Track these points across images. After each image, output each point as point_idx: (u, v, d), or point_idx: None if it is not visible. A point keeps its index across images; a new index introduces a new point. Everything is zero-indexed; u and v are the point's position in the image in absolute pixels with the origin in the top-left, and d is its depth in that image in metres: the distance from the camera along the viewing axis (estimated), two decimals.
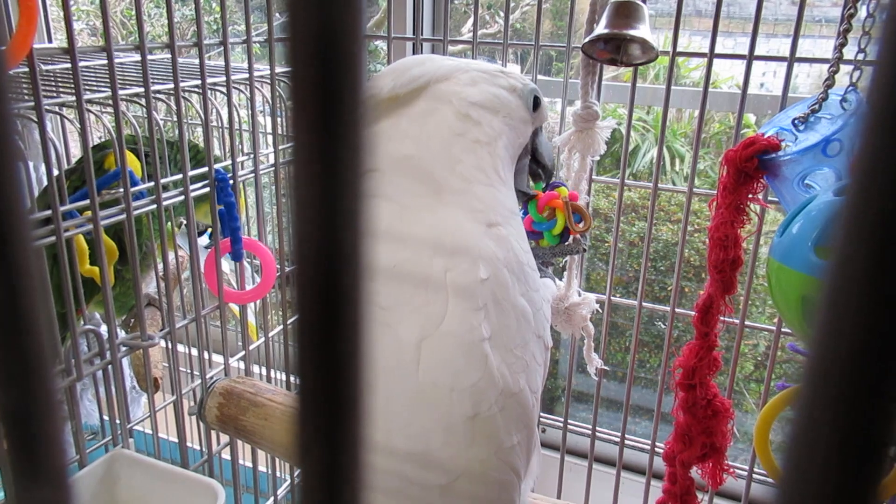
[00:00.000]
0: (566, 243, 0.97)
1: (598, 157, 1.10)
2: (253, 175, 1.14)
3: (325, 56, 0.12)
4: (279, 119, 1.18)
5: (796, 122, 0.89)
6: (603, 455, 1.45)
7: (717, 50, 1.01)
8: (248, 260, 1.21)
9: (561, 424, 1.33)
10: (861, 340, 0.12)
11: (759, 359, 2.45)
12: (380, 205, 0.75)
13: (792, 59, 0.97)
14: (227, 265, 1.22)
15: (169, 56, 0.95)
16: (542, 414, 1.40)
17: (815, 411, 0.12)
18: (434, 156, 0.75)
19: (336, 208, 0.11)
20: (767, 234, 1.17)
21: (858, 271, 0.12)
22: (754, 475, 1.18)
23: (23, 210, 0.12)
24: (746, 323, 1.11)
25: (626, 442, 1.27)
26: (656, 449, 1.23)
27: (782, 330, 1.08)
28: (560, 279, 1.13)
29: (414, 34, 1.35)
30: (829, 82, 0.87)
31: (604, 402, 2.15)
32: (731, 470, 1.01)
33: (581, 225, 0.95)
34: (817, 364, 0.12)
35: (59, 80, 1.03)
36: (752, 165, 0.86)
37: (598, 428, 1.30)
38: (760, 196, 0.92)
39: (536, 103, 0.84)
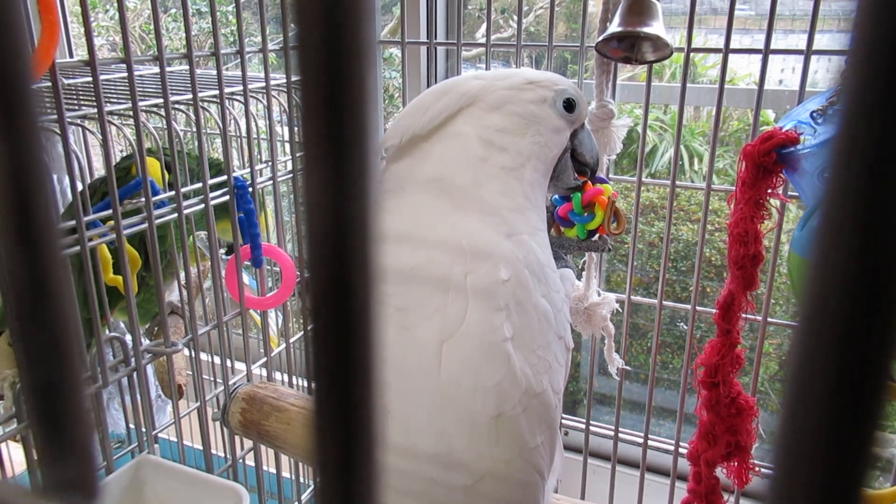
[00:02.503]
0: (593, 239, 0.96)
1: (614, 156, 1.10)
2: (271, 183, 1.15)
3: (333, 64, 0.12)
4: (296, 127, 1.20)
5: (815, 114, 0.88)
6: (627, 457, 1.44)
7: (735, 47, 1.00)
8: (268, 267, 1.22)
9: (583, 426, 1.32)
10: (847, 317, 0.12)
11: (784, 358, 2.41)
12: (401, 213, 0.75)
13: (809, 52, 0.96)
14: (246, 277, 1.23)
15: (187, 67, 0.97)
16: (564, 416, 1.39)
17: (804, 393, 0.12)
18: (459, 179, 0.75)
19: (345, 213, 0.12)
20: (789, 230, 1.16)
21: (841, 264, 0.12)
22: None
23: (47, 198, 0.12)
24: (769, 320, 1.10)
25: (650, 443, 1.26)
26: (680, 449, 1.22)
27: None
28: (579, 280, 1.13)
29: (428, 39, 1.36)
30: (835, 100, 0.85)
31: (627, 405, 2.13)
32: (758, 469, 1.00)
33: (614, 226, 0.94)
34: (805, 339, 0.12)
35: (81, 93, 1.05)
36: (771, 160, 0.85)
37: (621, 429, 1.29)
38: (780, 191, 0.91)
39: (570, 106, 0.82)
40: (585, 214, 0.92)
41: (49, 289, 0.11)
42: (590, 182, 0.91)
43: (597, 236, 0.96)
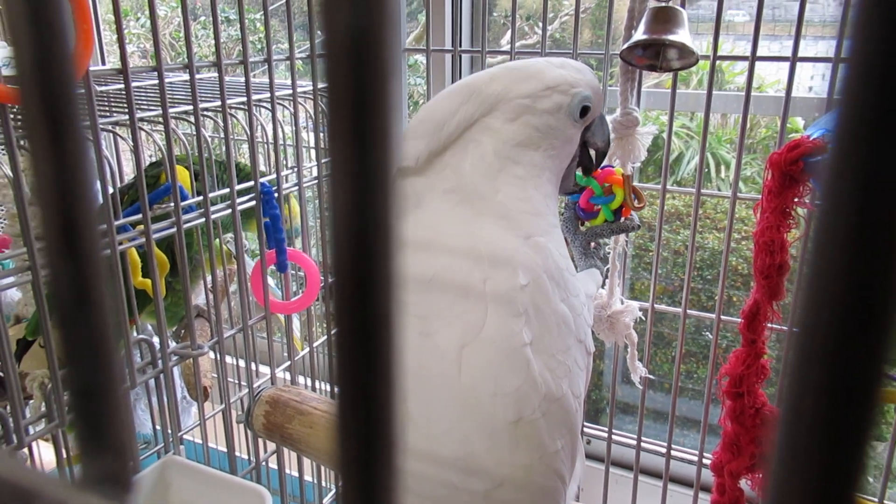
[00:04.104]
0: (622, 220, 0.97)
1: (638, 164, 1.09)
2: (297, 188, 1.16)
3: (359, 70, 0.12)
4: (322, 134, 1.21)
5: None
6: (650, 467, 1.43)
7: (763, 54, 1.00)
8: (293, 272, 1.23)
9: (606, 435, 1.31)
10: (842, 318, 0.12)
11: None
12: (420, 222, 0.76)
13: (837, 60, 0.95)
14: (271, 281, 1.24)
15: (216, 75, 0.99)
16: (587, 424, 1.38)
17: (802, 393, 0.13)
18: (476, 187, 0.75)
19: (369, 218, 0.12)
20: None
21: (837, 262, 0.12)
22: None
23: (91, 204, 0.13)
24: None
25: (673, 453, 1.25)
26: (704, 460, 1.21)
27: None
28: (602, 287, 1.13)
29: (452, 46, 1.37)
30: None
31: (651, 414, 2.11)
32: None
33: (637, 202, 0.95)
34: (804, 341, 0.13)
35: (113, 100, 1.07)
36: (798, 168, 0.85)
37: (644, 438, 1.28)
38: (808, 200, 0.90)
39: (585, 111, 0.82)
40: (605, 196, 0.94)
41: (91, 296, 0.12)
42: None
43: (623, 218, 0.97)
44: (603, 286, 1.14)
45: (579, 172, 0.92)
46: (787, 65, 0.98)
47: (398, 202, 0.12)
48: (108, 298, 0.13)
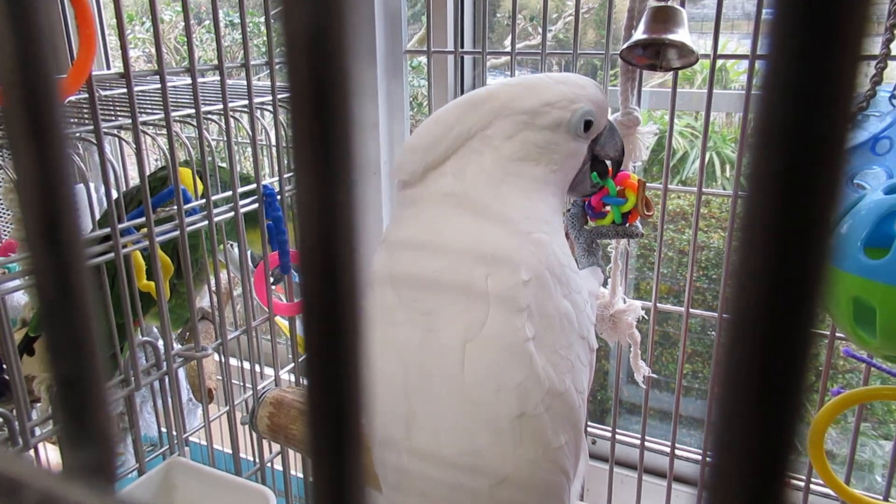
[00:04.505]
0: (627, 225, 0.97)
1: (639, 163, 1.10)
2: None
3: (318, 73, 0.12)
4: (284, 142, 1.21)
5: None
6: (654, 466, 1.43)
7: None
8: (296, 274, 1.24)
9: (610, 435, 1.31)
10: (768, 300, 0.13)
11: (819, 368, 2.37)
12: (420, 223, 0.76)
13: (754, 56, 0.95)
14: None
15: (218, 78, 1.00)
16: (591, 424, 1.38)
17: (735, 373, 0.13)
18: (477, 192, 0.75)
19: (333, 219, 0.12)
20: None
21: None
22: (812, 485, 1.14)
23: (70, 203, 0.13)
24: None
25: (677, 452, 1.25)
26: (708, 459, 1.21)
27: (836, 335, 1.05)
28: (605, 286, 1.13)
29: (454, 48, 1.37)
30: (877, 79, 0.84)
31: (657, 414, 2.11)
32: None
33: (646, 210, 0.96)
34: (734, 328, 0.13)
35: (117, 104, 1.08)
36: None
37: (648, 438, 1.28)
38: None
39: (588, 124, 0.81)
40: (619, 197, 0.94)
41: (73, 293, 0.12)
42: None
43: (628, 224, 0.97)
44: (605, 285, 1.14)
45: (595, 174, 0.93)
46: None
47: (361, 203, 0.12)
48: (90, 293, 0.13)
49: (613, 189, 0.93)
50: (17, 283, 0.84)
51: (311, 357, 0.13)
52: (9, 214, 1.38)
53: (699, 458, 1.23)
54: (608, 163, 0.90)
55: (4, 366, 1.07)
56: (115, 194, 0.92)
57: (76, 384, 0.13)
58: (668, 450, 1.25)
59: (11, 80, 0.11)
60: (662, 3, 0.94)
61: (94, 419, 0.13)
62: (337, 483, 0.13)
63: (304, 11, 0.11)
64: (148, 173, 0.97)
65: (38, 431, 0.90)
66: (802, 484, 1.14)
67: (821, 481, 1.11)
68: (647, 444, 1.28)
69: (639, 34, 0.95)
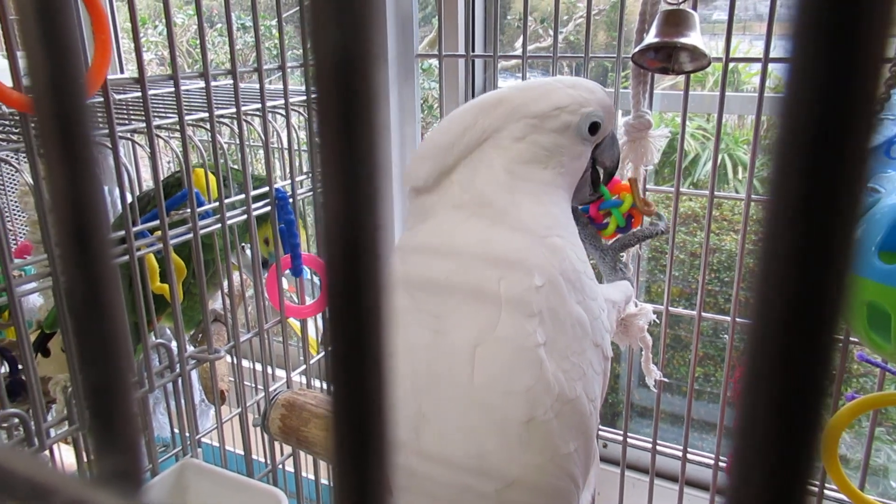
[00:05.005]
0: (651, 225, 0.97)
1: (651, 167, 1.09)
2: (311, 194, 1.18)
3: (345, 88, 0.13)
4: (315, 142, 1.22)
5: None
6: (666, 470, 1.42)
7: (780, 54, 0.99)
8: (309, 277, 1.24)
9: (621, 439, 1.31)
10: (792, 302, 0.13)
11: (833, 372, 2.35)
12: (433, 229, 0.76)
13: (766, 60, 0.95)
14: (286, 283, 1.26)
15: (231, 82, 1.00)
16: (602, 428, 1.38)
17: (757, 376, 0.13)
18: (489, 198, 0.76)
19: (357, 226, 0.13)
20: None
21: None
22: (826, 490, 1.13)
23: (101, 209, 0.14)
24: None
25: (689, 456, 1.24)
26: (721, 463, 1.20)
27: (850, 339, 1.05)
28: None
29: (465, 51, 1.38)
30: (892, 82, 0.84)
31: (669, 418, 2.10)
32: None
33: (645, 207, 0.96)
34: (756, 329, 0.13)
35: (131, 108, 1.09)
36: None
37: (660, 442, 1.28)
38: None
39: (595, 127, 0.82)
40: (615, 197, 0.95)
41: (102, 300, 0.13)
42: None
43: (649, 222, 0.97)
44: None
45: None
46: None
47: (385, 210, 0.12)
48: (120, 301, 0.13)
49: (608, 194, 0.94)
50: (32, 285, 0.85)
51: (335, 362, 0.13)
52: (23, 217, 1.39)
53: (711, 461, 1.23)
54: (600, 172, 0.90)
55: (20, 367, 1.08)
56: (129, 197, 0.93)
57: (105, 391, 0.13)
58: (679, 453, 1.25)
59: (43, 90, 0.12)
60: (674, 7, 0.94)
61: (122, 426, 0.13)
62: (360, 492, 0.13)
63: (331, 31, 0.11)
64: (161, 178, 0.98)
65: (53, 433, 0.90)
66: (816, 489, 1.13)
67: (835, 487, 1.10)
68: (658, 447, 1.27)
69: (651, 38, 0.95)
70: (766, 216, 0.12)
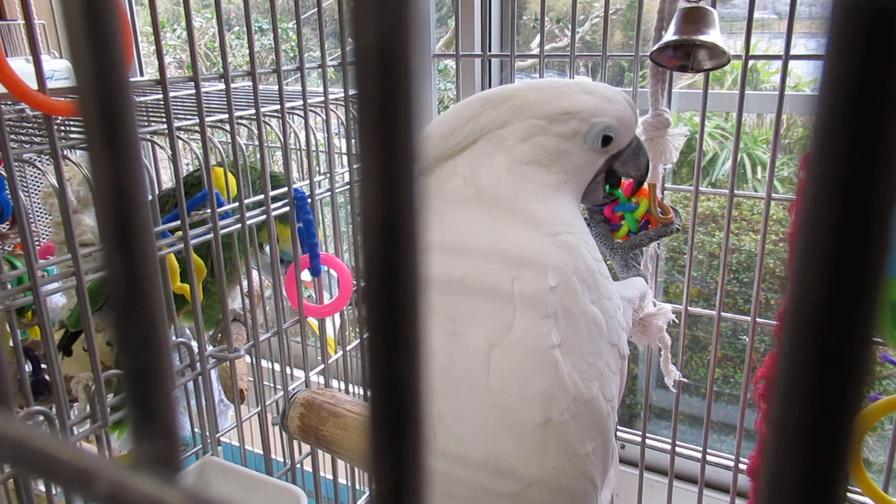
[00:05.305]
0: (665, 226, 0.97)
1: (670, 165, 1.09)
2: (329, 194, 1.18)
3: (386, 72, 0.13)
4: (353, 140, 1.23)
5: None
6: (685, 472, 1.41)
7: (800, 52, 0.98)
8: (326, 274, 1.25)
9: (640, 440, 1.30)
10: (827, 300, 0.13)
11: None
12: (444, 227, 0.76)
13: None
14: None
15: (250, 83, 1.01)
16: (621, 429, 1.37)
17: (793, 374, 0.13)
18: (496, 195, 0.75)
19: (396, 218, 0.13)
20: None
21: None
22: (849, 494, 1.12)
23: (143, 200, 0.14)
24: None
25: (709, 457, 1.23)
26: (740, 465, 1.19)
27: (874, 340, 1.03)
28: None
29: (482, 51, 1.38)
30: None
31: (688, 419, 2.09)
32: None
33: (662, 214, 0.95)
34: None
35: (151, 110, 1.10)
36: None
37: (679, 443, 1.27)
38: None
39: (608, 139, 0.80)
40: (633, 202, 0.95)
41: (144, 287, 0.13)
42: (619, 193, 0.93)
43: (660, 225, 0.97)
44: None
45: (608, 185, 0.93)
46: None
47: (424, 203, 0.13)
48: (159, 290, 0.14)
49: (623, 197, 0.93)
50: (55, 285, 0.86)
51: (373, 366, 0.13)
52: (48, 218, 1.41)
53: (731, 463, 1.22)
54: (620, 177, 0.89)
55: (43, 366, 1.09)
56: (149, 198, 0.94)
57: (145, 376, 0.13)
58: (698, 455, 1.24)
59: (90, 89, 0.12)
60: (693, 4, 0.94)
61: (161, 411, 0.14)
62: (397, 497, 0.13)
63: (374, 15, 0.11)
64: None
65: (76, 430, 0.92)
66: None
67: (858, 490, 1.09)
68: (677, 448, 1.27)
69: (669, 35, 0.95)
70: (802, 217, 0.12)
